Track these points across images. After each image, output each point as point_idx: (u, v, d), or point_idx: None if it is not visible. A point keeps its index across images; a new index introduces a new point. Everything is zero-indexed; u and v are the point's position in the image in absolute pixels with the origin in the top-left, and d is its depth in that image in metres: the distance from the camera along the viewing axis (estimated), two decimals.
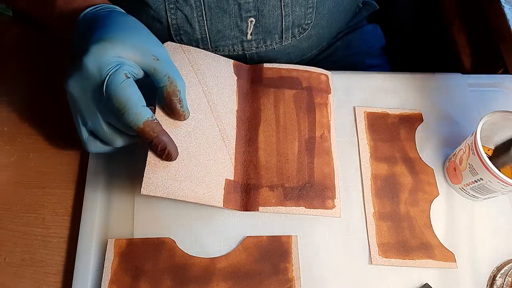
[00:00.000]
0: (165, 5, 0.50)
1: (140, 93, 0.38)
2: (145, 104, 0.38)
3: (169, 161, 0.40)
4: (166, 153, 0.39)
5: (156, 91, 0.41)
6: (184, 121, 0.44)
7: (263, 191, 0.46)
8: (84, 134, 0.41)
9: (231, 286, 0.43)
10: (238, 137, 0.48)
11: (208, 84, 0.47)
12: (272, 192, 0.46)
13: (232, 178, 0.45)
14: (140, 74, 0.40)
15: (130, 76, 0.38)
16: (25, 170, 0.50)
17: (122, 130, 0.40)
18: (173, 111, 0.41)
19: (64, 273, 0.45)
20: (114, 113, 0.38)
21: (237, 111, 0.49)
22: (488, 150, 0.49)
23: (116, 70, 0.37)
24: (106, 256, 0.43)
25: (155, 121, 0.38)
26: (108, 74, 0.36)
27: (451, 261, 0.45)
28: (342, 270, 0.45)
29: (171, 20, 0.51)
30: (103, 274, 0.43)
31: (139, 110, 0.37)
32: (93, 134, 0.41)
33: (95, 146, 0.42)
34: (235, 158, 0.46)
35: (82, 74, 0.37)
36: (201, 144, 0.44)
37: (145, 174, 0.40)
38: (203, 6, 0.51)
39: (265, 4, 0.51)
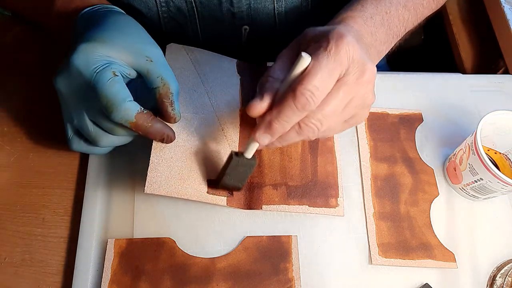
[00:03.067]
0: (159, 14, 0.50)
1: (128, 89, 0.37)
2: (133, 99, 0.37)
3: (170, 142, 0.40)
4: (166, 138, 0.39)
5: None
6: (187, 121, 0.44)
7: (267, 190, 0.46)
8: (69, 131, 0.41)
9: (231, 286, 0.43)
10: (242, 136, 0.48)
11: (211, 84, 0.48)
12: (276, 190, 0.46)
13: None
14: (133, 74, 0.40)
15: (118, 74, 0.37)
16: (25, 170, 0.50)
17: (106, 130, 0.39)
18: (164, 114, 0.40)
19: (64, 273, 0.45)
20: (101, 112, 0.37)
21: (240, 110, 0.49)
22: (488, 150, 0.49)
23: (104, 68, 0.37)
24: (106, 256, 0.43)
25: (145, 112, 0.38)
26: (95, 72, 0.36)
27: (451, 261, 0.45)
28: (342, 270, 0.45)
29: (165, 29, 0.51)
30: (103, 274, 0.43)
31: (128, 106, 0.36)
32: (78, 132, 0.41)
33: (78, 145, 0.42)
34: None
35: (69, 72, 0.37)
36: (204, 144, 0.44)
37: (148, 173, 0.40)
38: (196, 15, 0.51)
39: (258, 12, 0.51)
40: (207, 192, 0.42)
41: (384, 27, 0.42)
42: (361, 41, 0.39)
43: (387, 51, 0.45)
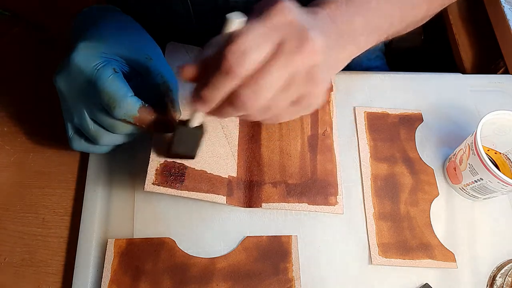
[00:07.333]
0: (155, 11, 0.50)
1: (128, 85, 0.37)
2: (134, 94, 0.37)
3: (172, 132, 0.39)
4: (170, 128, 0.39)
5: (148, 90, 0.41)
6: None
7: (266, 188, 0.46)
8: (70, 130, 0.41)
9: (231, 286, 0.43)
10: (241, 134, 0.48)
11: None
12: (275, 188, 0.46)
13: (235, 175, 0.45)
14: (132, 72, 0.40)
15: (118, 71, 0.37)
16: (25, 170, 0.50)
17: (107, 127, 0.39)
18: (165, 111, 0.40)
19: (64, 273, 0.45)
20: (102, 110, 0.37)
21: None
22: (488, 150, 0.49)
23: (104, 65, 0.37)
24: (106, 256, 0.43)
25: (146, 105, 0.37)
26: (96, 69, 0.36)
27: (451, 261, 0.45)
28: (342, 270, 0.45)
29: (162, 28, 0.52)
30: (103, 274, 0.43)
31: (130, 101, 0.36)
32: (79, 131, 0.41)
33: (79, 144, 0.42)
34: (238, 155, 0.47)
35: (69, 70, 0.37)
36: (204, 142, 0.44)
37: (148, 171, 0.40)
38: (192, 18, 0.51)
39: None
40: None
41: (361, 16, 0.39)
42: (331, 26, 0.37)
43: (367, 46, 0.41)
